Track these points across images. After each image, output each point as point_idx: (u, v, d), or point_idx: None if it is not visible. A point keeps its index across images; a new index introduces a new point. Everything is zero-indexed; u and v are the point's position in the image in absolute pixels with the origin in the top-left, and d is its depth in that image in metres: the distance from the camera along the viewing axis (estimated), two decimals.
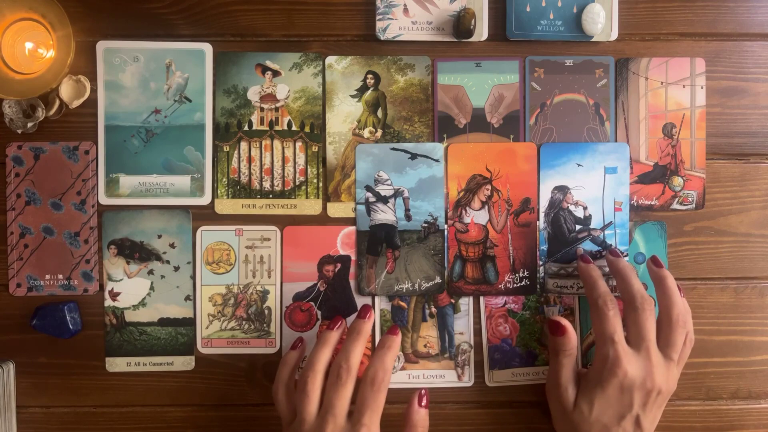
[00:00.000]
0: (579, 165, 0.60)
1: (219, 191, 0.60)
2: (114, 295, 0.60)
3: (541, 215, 0.60)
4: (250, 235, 0.60)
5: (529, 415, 0.61)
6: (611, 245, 0.60)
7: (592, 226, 0.60)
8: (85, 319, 0.60)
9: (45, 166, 0.59)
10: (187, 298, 0.60)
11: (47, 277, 0.59)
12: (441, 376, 0.61)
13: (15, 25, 0.56)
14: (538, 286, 0.61)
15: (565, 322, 0.56)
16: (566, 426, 0.55)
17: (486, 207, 0.60)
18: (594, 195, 0.60)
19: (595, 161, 0.60)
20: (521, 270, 0.60)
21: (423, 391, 0.55)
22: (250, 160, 0.60)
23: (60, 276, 0.59)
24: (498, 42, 0.60)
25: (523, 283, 0.60)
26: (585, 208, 0.60)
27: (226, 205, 0.60)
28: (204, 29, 0.59)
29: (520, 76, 0.60)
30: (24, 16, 0.56)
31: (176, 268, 0.60)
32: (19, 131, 0.58)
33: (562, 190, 0.60)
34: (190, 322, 0.60)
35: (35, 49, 0.57)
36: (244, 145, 0.60)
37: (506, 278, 0.60)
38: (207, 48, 0.59)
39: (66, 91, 0.58)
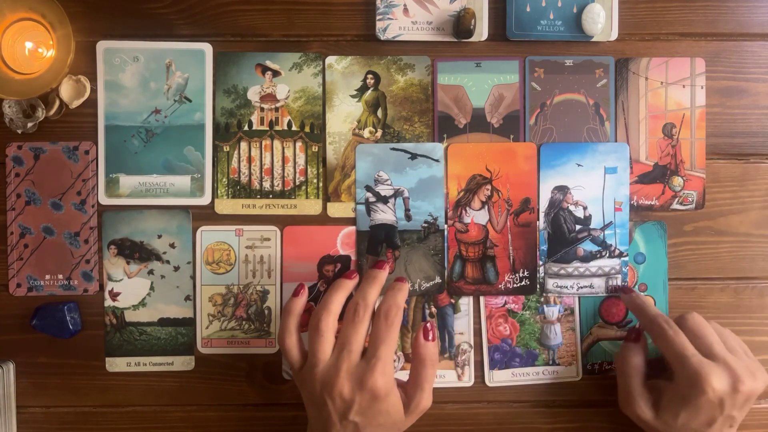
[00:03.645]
0: (579, 165, 0.60)
1: (219, 191, 0.60)
2: (114, 295, 0.60)
3: (541, 215, 0.60)
4: (250, 235, 0.60)
5: (529, 415, 0.61)
6: (610, 245, 0.60)
7: (592, 226, 0.60)
8: (85, 319, 0.60)
9: (45, 166, 0.59)
10: (187, 298, 0.60)
11: (47, 277, 0.59)
12: (441, 376, 0.61)
13: (15, 25, 0.56)
14: (538, 286, 0.60)
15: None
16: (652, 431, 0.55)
17: (486, 207, 0.60)
18: (594, 195, 0.60)
19: (595, 161, 0.60)
20: (521, 270, 0.60)
21: (429, 325, 0.54)
22: (250, 160, 0.60)
23: (60, 276, 0.59)
24: (498, 42, 0.60)
25: (523, 283, 0.60)
26: (585, 208, 0.60)
27: (226, 205, 0.60)
28: (204, 29, 0.59)
29: (520, 76, 0.60)
30: (24, 16, 0.56)
31: (176, 268, 0.60)
32: (19, 131, 0.58)
33: (562, 190, 0.60)
34: (190, 322, 0.60)
35: (35, 48, 0.57)
36: (244, 145, 0.60)
37: (506, 278, 0.60)
38: (207, 48, 0.59)
39: (66, 91, 0.58)
